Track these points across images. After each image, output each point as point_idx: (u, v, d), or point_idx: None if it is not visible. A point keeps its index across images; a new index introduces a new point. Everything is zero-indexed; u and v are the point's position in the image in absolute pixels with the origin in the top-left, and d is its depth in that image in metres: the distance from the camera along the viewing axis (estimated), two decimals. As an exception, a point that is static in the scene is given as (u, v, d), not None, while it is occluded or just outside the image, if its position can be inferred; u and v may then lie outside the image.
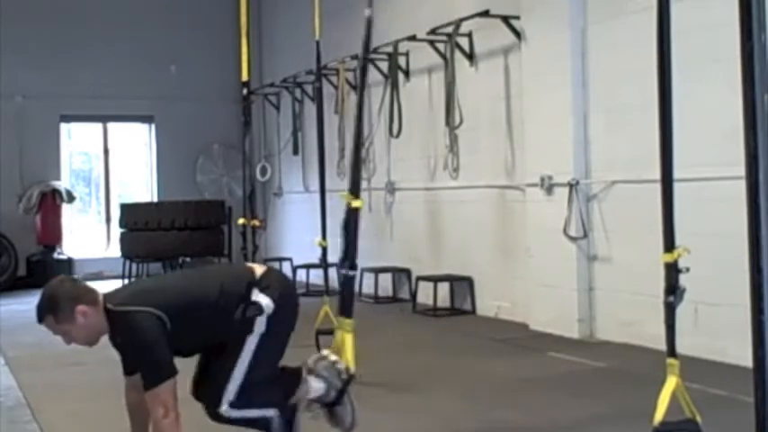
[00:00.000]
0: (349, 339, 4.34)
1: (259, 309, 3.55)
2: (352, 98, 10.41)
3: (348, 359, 4.18)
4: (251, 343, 3.55)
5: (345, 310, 4.52)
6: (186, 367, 3.58)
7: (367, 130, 10.16)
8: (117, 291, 3.67)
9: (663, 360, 3.51)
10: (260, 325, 3.56)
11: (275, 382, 3.76)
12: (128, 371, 3.62)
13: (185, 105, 13.43)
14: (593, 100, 6.86)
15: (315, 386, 3.86)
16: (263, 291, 3.60)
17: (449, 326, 7.91)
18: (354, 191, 4.69)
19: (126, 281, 10.09)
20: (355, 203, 4.72)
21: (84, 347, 3.64)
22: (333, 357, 4.02)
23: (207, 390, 3.60)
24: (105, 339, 3.56)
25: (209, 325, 3.56)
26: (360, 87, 5.23)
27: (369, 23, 5.00)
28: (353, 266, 4.65)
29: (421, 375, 5.82)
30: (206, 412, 3.60)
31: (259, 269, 3.75)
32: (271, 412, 3.67)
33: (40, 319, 3.42)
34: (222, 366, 3.56)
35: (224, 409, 3.53)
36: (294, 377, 3.85)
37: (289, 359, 3.90)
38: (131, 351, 3.45)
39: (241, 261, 7.98)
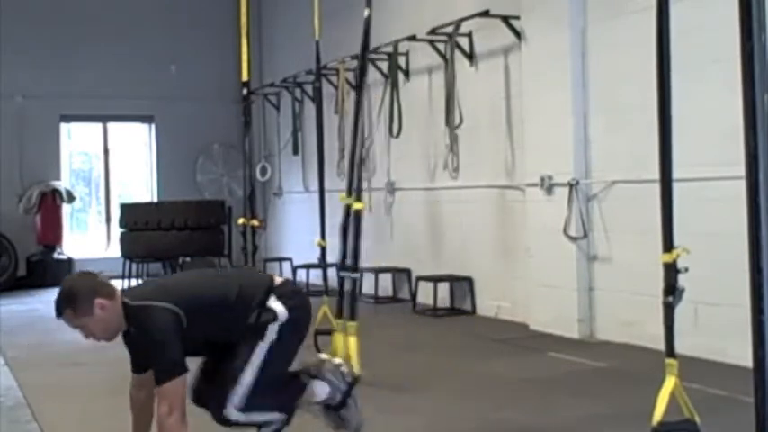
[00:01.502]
0: (353, 342, 4.34)
1: (273, 315, 3.57)
2: (352, 98, 10.41)
3: (353, 362, 4.17)
4: (261, 350, 3.56)
5: (349, 312, 4.51)
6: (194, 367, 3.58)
7: (367, 130, 10.17)
8: (136, 287, 3.73)
9: (663, 360, 3.51)
10: (272, 332, 3.57)
11: (281, 387, 3.77)
12: (137, 368, 3.62)
13: (185, 105, 13.43)
14: (593, 100, 6.86)
15: (320, 390, 3.86)
16: (279, 299, 3.62)
17: (449, 326, 7.91)
18: (355, 192, 4.69)
19: (126, 281, 10.09)
20: (356, 205, 4.72)
21: (87, 346, 3.64)
22: (337, 360, 4.04)
23: (213, 392, 3.59)
24: (101, 343, 3.56)
25: (223, 326, 3.56)
26: (358, 87, 5.24)
27: (367, 23, 5.01)
28: (356, 269, 4.65)
29: (421, 375, 5.82)
30: (211, 415, 3.60)
31: (278, 279, 3.78)
32: (275, 416, 3.69)
33: (60, 312, 3.43)
34: (231, 370, 3.55)
35: (229, 411, 3.53)
36: (299, 382, 3.86)
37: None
38: (145, 345, 3.44)
39: (242, 261, 7.98)
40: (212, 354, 3.69)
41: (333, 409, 3.91)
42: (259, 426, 3.68)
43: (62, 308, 3.41)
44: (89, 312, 3.38)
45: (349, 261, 4.79)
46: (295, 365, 3.89)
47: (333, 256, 6.76)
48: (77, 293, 3.40)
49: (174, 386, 3.30)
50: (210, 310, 3.52)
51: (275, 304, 3.59)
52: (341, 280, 4.84)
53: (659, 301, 3.53)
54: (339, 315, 4.75)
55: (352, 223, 4.76)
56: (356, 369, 4.11)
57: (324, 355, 4.11)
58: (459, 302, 8.57)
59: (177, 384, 3.31)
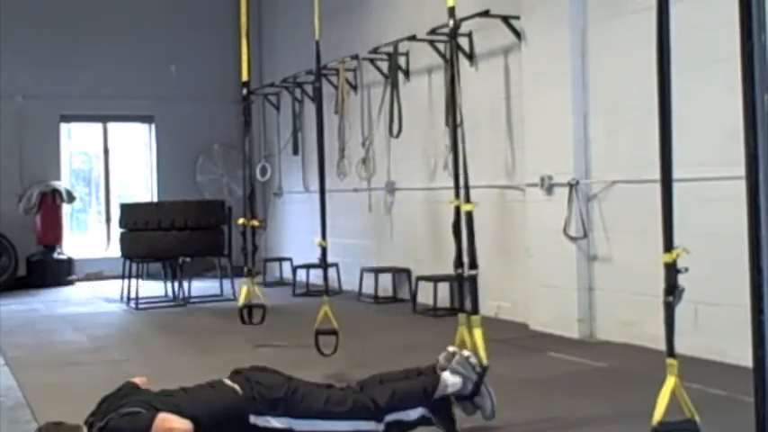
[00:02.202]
0: (478, 334, 4.53)
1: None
2: (352, 98, 10.42)
3: (481, 353, 4.35)
4: None
5: (472, 307, 4.72)
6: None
7: (367, 130, 10.18)
8: (97, 407, 3.61)
9: (663, 360, 3.51)
10: None
11: (415, 382, 3.99)
12: None
13: (185, 105, 13.44)
14: (593, 100, 6.86)
15: (452, 381, 4.07)
16: (266, 413, 3.63)
17: (449, 326, 7.87)
18: (464, 193, 4.86)
19: (126, 281, 10.09)
20: (466, 207, 4.92)
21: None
22: (465, 353, 4.25)
23: None
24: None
25: None
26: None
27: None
28: (474, 266, 4.88)
29: (421, 375, 5.81)
30: None
31: (229, 382, 3.73)
32: (419, 411, 3.89)
33: None
34: None
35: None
36: (431, 376, 4.07)
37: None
38: None
39: (242, 261, 7.96)
40: None
41: (467, 398, 4.13)
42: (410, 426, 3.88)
43: None
44: None
45: (466, 259, 5.04)
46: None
47: (333, 256, 6.77)
48: None
49: (160, 422, 3.30)
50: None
51: (273, 422, 3.61)
52: (458, 276, 5.04)
53: (659, 301, 3.52)
54: (461, 310, 5.01)
55: (464, 224, 4.96)
56: (484, 359, 4.30)
57: (452, 348, 4.31)
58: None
59: (160, 420, 3.31)
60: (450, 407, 4.06)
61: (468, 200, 4.86)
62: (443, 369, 4.13)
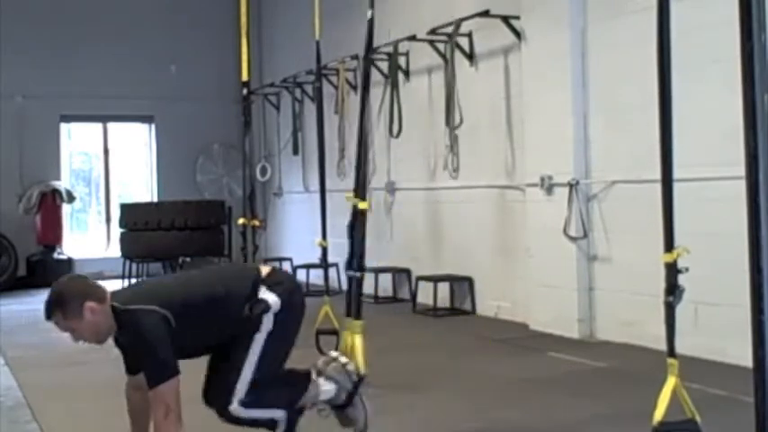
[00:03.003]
0: (359, 341, 4.39)
1: (266, 306, 3.57)
2: (353, 98, 10.41)
3: (358, 361, 4.22)
4: (259, 340, 3.57)
5: (354, 311, 4.56)
6: (194, 368, 3.58)
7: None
8: (122, 290, 3.68)
9: (663, 360, 3.51)
10: (267, 323, 3.58)
11: (285, 383, 3.79)
12: (131, 370, 3.63)
13: (185, 105, 13.43)
14: (593, 100, 6.86)
15: (325, 388, 3.89)
16: (269, 288, 3.63)
17: (449, 326, 7.91)
18: (360, 192, 4.72)
19: (126, 281, 10.09)
20: (362, 205, 4.76)
21: (87, 347, 3.64)
22: (343, 359, 4.05)
23: (216, 389, 3.60)
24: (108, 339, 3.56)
25: (214, 323, 3.57)
26: (363, 87, 5.23)
27: (371, 25, 5.01)
28: (362, 268, 4.70)
29: (421, 375, 5.82)
30: (216, 412, 3.61)
31: (265, 268, 3.77)
32: (279, 413, 3.70)
33: (49, 315, 3.41)
34: (231, 365, 3.57)
35: (234, 407, 3.54)
36: (303, 379, 3.87)
37: (290, 360, 3.90)
38: (136, 349, 3.45)
39: (241, 260, 7.98)
40: (213, 353, 3.69)
41: (340, 407, 3.94)
42: (266, 425, 3.70)
43: (51, 311, 3.39)
44: (79, 316, 3.36)
45: (355, 260, 4.84)
46: (294, 360, 3.91)
47: (333, 256, 6.77)
48: (67, 296, 3.38)
49: (167, 388, 3.30)
50: (199, 309, 3.52)
51: (266, 294, 3.60)
52: (349, 279, 4.89)
53: (659, 301, 3.53)
54: (348, 314, 4.80)
55: (357, 223, 4.79)
56: (362, 368, 4.14)
57: (334, 354, 4.13)
58: (460, 302, 8.57)
59: (170, 386, 3.31)
60: (298, 419, 3.81)
61: (363, 198, 4.75)
62: (319, 374, 3.93)
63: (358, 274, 4.65)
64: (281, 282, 3.72)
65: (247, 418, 3.62)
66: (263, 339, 3.57)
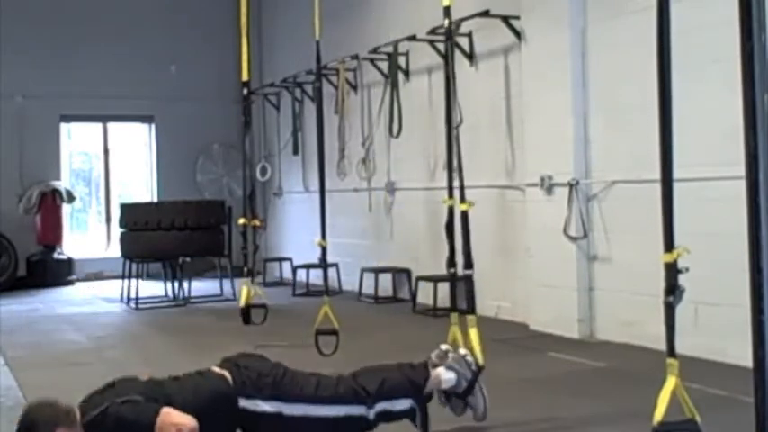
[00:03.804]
0: (475, 333, 4.55)
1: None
2: (352, 98, 10.42)
3: (476, 352, 4.37)
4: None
5: (469, 306, 4.72)
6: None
7: (367, 130, 10.17)
8: (92, 397, 3.57)
9: (663, 360, 3.51)
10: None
11: (405, 375, 3.96)
12: None
13: (185, 105, 13.44)
14: (593, 100, 6.86)
15: (446, 377, 4.09)
16: (254, 396, 3.62)
17: (449, 326, 7.89)
18: (459, 194, 4.86)
19: (126, 281, 10.09)
20: (462, 206, 4.92)
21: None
22: (462, 351, 4.27)
23: None
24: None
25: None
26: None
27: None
28: (470, 265, 4.89)
29: (421, 375, 5.81)
30: None
31: (217, 370, 3.71)
32: (409, 402, 3.88)
33: None
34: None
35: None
36: (424, 370, 4.05)
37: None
38: (119, 428, 3.36)
39: (242, 261, 7.95)
40: None
41: (460, 396, 4.13)
42: (397, 417, 3.87)
43: None
44: None
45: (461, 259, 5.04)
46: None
47: (333, 256, 6.77)
48: (37, 425, 3.37)
49: (164, 416, 3.29)
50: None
51: (263, 405, 3.60)
52: (450, 276, 5.15)
53: (659, 301, 3.52)
54: (453, 309, 5.00)
55: (460, 224, 4.95)
56: (480, 359, 4.32)
57: (444, 347, 4.34)
58: (460, 302, 8.54)
59: (165, 413, 3.30)
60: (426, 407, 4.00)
61: (463, 199, 4.85)
62: (435, 366, 4.11)
63: (470, 271, 4.83)
64: (256, 378, 3.68)
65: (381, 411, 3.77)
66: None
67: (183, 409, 3.38)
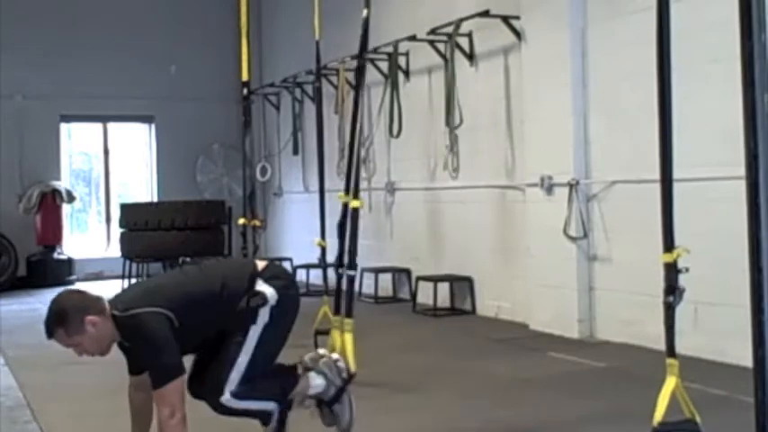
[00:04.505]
0: (349, 339, 4.38)
1: (263, 299, 3.58)
2: (353, 98, 10.41)
3: (349, 359, 4.18)
4: (254, 333, 3.58)
5: (346, 309, 4.56)
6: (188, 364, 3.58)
7: (367, 130, 10.17)
8: (120, 295, 3.66)
9: (663, 360, 3.51)
10: (264, 315, 3.59)
11: (276, 376, 3.79)
12: (133, 370, 3.62)
13: (185, 105, 13.43)
14: (593, 100, 6.86)
15: (315, 383, 3.88)
16: (266, 281, 3.63)
17: (449, 326, 7.91)
18: (353, 190, 4.73)
19: (126, 281, 10.09)
20: (354, 203, 4.76)
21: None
22: (334, 356, 4.06)
23: (209, 380, 3.59)
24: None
25: (214, 319, 3.57)
26: (356, 87, 5.24)
27: (366, 23, 5.03)
28: (353, 266, 4.70)
29: (421, 375, 5.82)
30: (208, 403, 3.61)
31: (261, 263, 3.78)
32: (271, 405, 3.70)
33: (50, 333, 3.39)
34: (225, 356, 3.56)
35: (226, 398, 3.54)
36: (292, 373, 3.88)
37: (288, 359, 3.90)
38: (140, 352, 3.44)
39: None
40: (208, 346, 3.69)
41: (326, 404, 3.93)
42: (258, 417, 3.70)
43: (53, 329, 3.38)
44: (81, 331, 3.35)
45: (346, 259, 4.85)
46: (293, 359, 3.90)
47: (333, 255, 6.76)
48: (67, 313, 3.36)
49: (172, 388, 3.30)
50: (199, 306, 3.52)
51: (264, 287, 3.60)
52: (338, 277, 4.90)
53: (659, 300, 3.53)
54: (337, 312, 4.81)
55: (349, 221, 4.80)
56: (352, 366, 4.15)
57: (322, 351, 4.13)
58: (460, 302, 8.57)
59: (175, 386, 3.31)
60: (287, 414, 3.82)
61: (356, 196, 4.77)
62: (308, 369, 3.91)
63: (352, 272, 4.66)
64: (277, 275, 3.73)
65: (240, 410, 3.61)
66: (258, 332, 3.58)
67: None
